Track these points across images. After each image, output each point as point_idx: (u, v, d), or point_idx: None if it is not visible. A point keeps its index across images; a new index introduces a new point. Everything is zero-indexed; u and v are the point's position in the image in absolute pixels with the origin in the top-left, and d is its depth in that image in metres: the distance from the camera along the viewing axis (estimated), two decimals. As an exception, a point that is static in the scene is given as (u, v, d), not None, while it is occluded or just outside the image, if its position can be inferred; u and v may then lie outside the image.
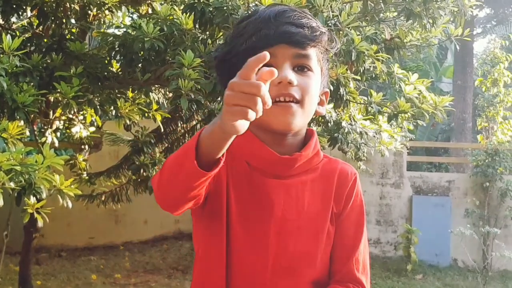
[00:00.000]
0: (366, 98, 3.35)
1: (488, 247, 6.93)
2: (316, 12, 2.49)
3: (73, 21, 3.51)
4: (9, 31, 3.09)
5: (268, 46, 1.13)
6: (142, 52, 2.80)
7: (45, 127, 3.87)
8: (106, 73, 3.03)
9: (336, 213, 1.23)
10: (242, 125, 0.91)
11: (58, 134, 4.10)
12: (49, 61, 2.89)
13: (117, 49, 2.95)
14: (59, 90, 2.63)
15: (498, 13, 15.02)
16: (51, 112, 3.74)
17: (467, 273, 6.87)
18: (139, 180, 4.07)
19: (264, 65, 1.15)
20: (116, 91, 3.29)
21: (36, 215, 2.52)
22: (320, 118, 3.30)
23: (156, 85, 3.46)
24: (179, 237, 7.85)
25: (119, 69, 3.19)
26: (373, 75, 3.38)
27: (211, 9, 2.67)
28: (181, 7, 2.95)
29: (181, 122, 4.52)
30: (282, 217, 1.18)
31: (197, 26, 2.79)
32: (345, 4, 2.94)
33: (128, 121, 3.39)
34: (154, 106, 3.54)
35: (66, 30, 3.48)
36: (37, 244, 4.93)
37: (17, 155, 2.25)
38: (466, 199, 7.40)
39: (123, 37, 2.89)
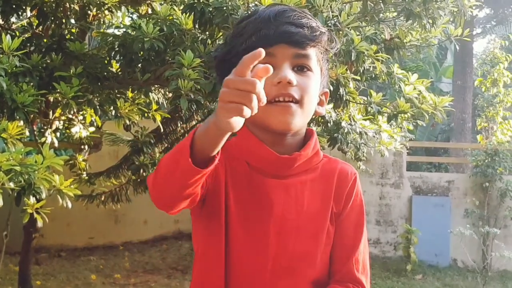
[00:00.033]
0: (365, 98, 3.35)
1: (488, 247, 6.94)
2: (315, 12, 2.49)
3: (72, 21, 3.50)
4: (8, 31, 3.09)
5: (268, 46, 1.13)
6: (141, 52, 2.80)
7: (45, 127, 3.87)
8: (105, 73, 3.03)
9: (336, 213, 1.23)
10: (237, 122, 0.91)
11: (58, 134, 4.09)
12: (48, 61, 2.89)
13: (117, 49, 2.95)
14: (58, 90, 2.62)
15: (498, 13, 15.03)
16: (50, 112, 3.74)
17: (466, 273, 6.88)
18: (138, 180, 4.07)
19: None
20: (116, 91, 3.29)
21: (35, 215, 2.52)
22: (319, 118, 3.30)
23: (156, 85, 3.46)
24: (179, 237, 7.85)
25: (119, 69, 3.19)
26: (373, 75, 3.38)
27: (210, 9, 2.66)
28: (181, 7, 2.95)
29: (181, 122, 4.52)
30: (282, 217, 1.18)
31: (196, 26, 2.78)
32: (344, 4, 2.93)
33: (127, 121, 3.39)
34: (154, 106, 3.54)
35: (66, 30, 3.47)
36: (36, 244, 4.93)
37: (17, 155, 2.25)
38: (466, 199, 7.40)
39: (122, 37, 2.89)
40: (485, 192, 7.25)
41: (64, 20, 3.35)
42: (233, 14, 2.58)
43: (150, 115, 3.49)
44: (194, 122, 4.51)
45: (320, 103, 1.27)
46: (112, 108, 3.34)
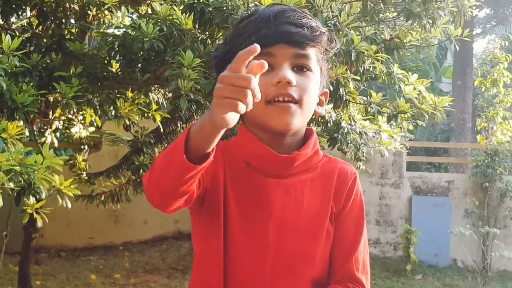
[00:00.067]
0: (365, 98, 3.35)
1: (488, 247, 6.94)
2: (315, 12, 2.49)
3: (72, 21, 3.50)
4: (8, 31, 3.09)
5: (268, 45, 1.13)
6: (141, 52, 2.80)
7: (45, 127, 3.87)
8: (105, 73, 3.03)
9: (336, 213, 1.23)
10: (232, 118, 0.91)
11: (58, 134, 4.10)
12: (48, 61, 2.88)
13: (117, 49, 2.95)
14: (58, 90, 2.62)
15: (497, 14, 15.04)
16: (50, 112, 3.74)
17: (466, 273, 6.88)
18: (138, 180, 4.07)
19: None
20: (116, 91, 3.29)
21: (35, 215, 2.52)
22: (319, 118, 3.30)
23: (156, 85, 3.46)
24: (179, 237, 7.85)
25: (119, 69, 3.19)
26: (373, 76, 3.38)
27: (210, 9, 2.66)
28: (181, 7, 2.95)
29: (181, 122, 4.51)
30: (281, 217, 1.18)
31: (196, 26, 2.78)
32: (344, 4, 2.93)
33: (127, 121, 3.39)
34: (154, 106, 3.54)
35: (66, 30, 3.47)
36: (36, 244, 4.93)
37: (17, 155, 2.24)
38: (466, 199, 7.40)
39: (122, 37, 2.89)
40: (485, 192, 7.25)
41: (64, 20, 3.35)
42: (233, 14, 2.58)
43: (150, 115, 3.49)
44: (194, 122, 4.51)
45: (320, 103, 1.26)
46: (112, 108, 3.34)
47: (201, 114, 3.92)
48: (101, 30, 3.75)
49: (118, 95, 3.31)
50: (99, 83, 2.99)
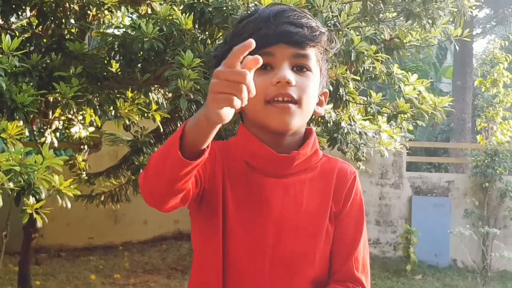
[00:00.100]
0: (365, 99, 3.36)
1: (488, 247, 6.94)
2: (315, 12, 2.49)
3: (72, 21, 3.51)
4: (8, 31, 3.09)
5: (267, 45, 1.13)
6: (141, 52, 2.80)
7: (45, 127, 3.87)
8: (105, 73, 3.03)
9: (335, 212, 1.23)
10: (227, 114, 0.91)
11: (58, 134, 4.10)
12: (48, 61, 2.89)
13: (117, 49, 2.95)
14: (58, 90, 2.62)
15: (497, 14, 15.04)
16: (50, 112, 3.74)
17: (466, 274, 6.88)
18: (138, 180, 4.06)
19: (263, 65, 1.16)
20: (116, 91, 3.29)
21: (35, 215, 2.52)
22: (319, 119, 3.30)
23: (156, 85, 3.46)
24: (179, 237, 7.85)
25: (119, 69, 3.19)
26: (373, 76, 3.38)
27: (210, 9, 2.67)
28: (181, 7, 2.95)
29: (181, 122, 4.50)
30: (281, 216, 1.18)
31: (196, 26, 2.78)
32: (344, 5, 2.93)
33: (127, 121, 3.39)
34: (154, 106, 3.54)
35: (66, 30, 3.47)
36: (36, 244, 4.92)
37: (16, 156, 2.24)
38: (466, 199, 7.40)
39: (122, 37, 2.89)
40: (484, 192, 7.25)
41: (63, 20, 3.35)
42: (233, 14, 2.58)
43: (149, 115, 3.49)
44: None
45: (320, 103, 1.26)
46: (111, 108, 3.34)
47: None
48: (101, 30, 3.75)
49: (118, 95, 3.31)
50: (99, 83, 2.99)
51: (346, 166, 1.27)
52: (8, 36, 2.51)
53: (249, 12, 2.37)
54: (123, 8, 3.57)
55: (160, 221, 7.64)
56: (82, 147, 4.38)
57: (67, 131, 4.23)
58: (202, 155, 0.99)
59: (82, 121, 4.11)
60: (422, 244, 6.87)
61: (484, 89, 7.74)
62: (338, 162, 1.28)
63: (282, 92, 1.14)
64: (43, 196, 2.33)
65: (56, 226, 5.43)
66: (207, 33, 2.89)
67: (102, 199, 4.44)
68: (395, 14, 3.33)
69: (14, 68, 2.54)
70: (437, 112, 3.17)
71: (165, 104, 3.95)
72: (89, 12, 3.49)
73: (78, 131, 4.08)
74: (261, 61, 0.88)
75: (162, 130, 3.98)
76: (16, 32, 3.29)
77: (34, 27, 3.51)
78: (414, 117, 3.28)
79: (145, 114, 3.52)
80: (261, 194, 1.18)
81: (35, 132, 3.76)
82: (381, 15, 3.26)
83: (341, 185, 1.24)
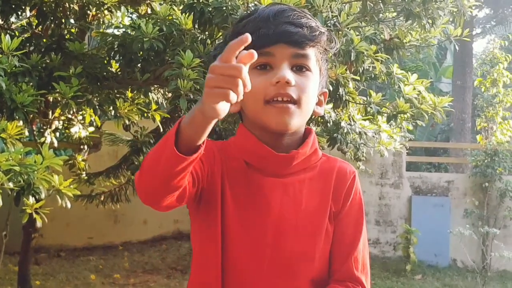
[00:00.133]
0: (365, 98, 3.36)
1: (487, 247, 6.94)
2: (315, 12, 2.49)
3: (72, 21, 3.51)
4: (8, 31, 3.09)
5: (267, 45, 1.13)
6: (141, 52, 2.80)
7: (44, 127, 3.87)
8: (105, 73, 3.03)
9: (335, 212, 1.22)
10: (223, 108, 0.91)
11: (57, 134, 4.10)
12: (48, 61, 2.89)
13: (116, 49, 2.95)
14: (58, 90, 2.63)
15: (497, 14, 15.04)
16: (50, 112, 3.74)
17: (466, 274, 6.87)
18: (138, 180, 4.06)
19: (262, 65, 1.16)
20: (115, 91, 3.29)
21: (35, 215, 2.52)
22: (319, 118, 3.30)
23: (155, 85, 3.46)
24: (178, 237, 7.85)
25: (118, 69, 3.19)
26: (372, 75, 3.38)
27: (210, 9, 2.67)
28: (180, 7, 2.95)
29: (180, 122, 4.51)
30: (280, 216, 1.18)
31: (196, 26, 2.79)
32: (344, 4, 2.93)
33: (127, 121, 3.39)
34: (153, 106, 3.54)
35: (65, 30, 3.48)
36: (36, 244, 4.92)
37: (16, 155, 2.25)
38: (465, 199, 7.40)
39: (122, 37, 2.89)
40: (484, 192, 7.25)
41: (63, 20, 3.35)
42: (233, 14, 2.58)
43: (149, 115, 3.49)
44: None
45: (319, 103, 1.26)
46: (111, 108, 3.34)
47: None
48: (101, 30, 3.75)
49: (118, 95, 3.31)
50: (98, 83, 2.99)
51: (346, 166, 1.27)
52: (8, 36, 2.51)
53: (248, 11, 2.37)
54: (123, 8, 3.57)
55: (160, 221, 7.64)
56: (82, 147, 4.38)
57: (67, 131, 4.23)
58: (197, 151, 0.99)
59: (82, 121, 4.11)
60: (422, 244, 6.87)
61: (484, 89, 7.74)
62: (337, 162, 1.27)
63: (281, 92, 1.14)
64: (42, 196, 2.33)
65: (56, 226, 5.43)
66: (207, 33, 2.89)
67: (102, 199, 4.44)
68: (395, 14, 3.34)
69: (14, 68, 2.54)
70: (437, 112, 3.17)
71: (165, 104, 3.96)
72: (88, 12, 3.50)
73: (78, 131, 4.09)
74: (256, 55, 0.88)
75: (162, 130, 3.98)
76: (16, 32, 3.29)
77: (34, 27, 3.51)
78: (414, 117, 3.28)
79: (145, 114, 3.52)
80: (261, 194, 1.18)
81: (35, 132, 3.76)
82: (381, 15, 3.26)
83: (341, 184, 1.24)
